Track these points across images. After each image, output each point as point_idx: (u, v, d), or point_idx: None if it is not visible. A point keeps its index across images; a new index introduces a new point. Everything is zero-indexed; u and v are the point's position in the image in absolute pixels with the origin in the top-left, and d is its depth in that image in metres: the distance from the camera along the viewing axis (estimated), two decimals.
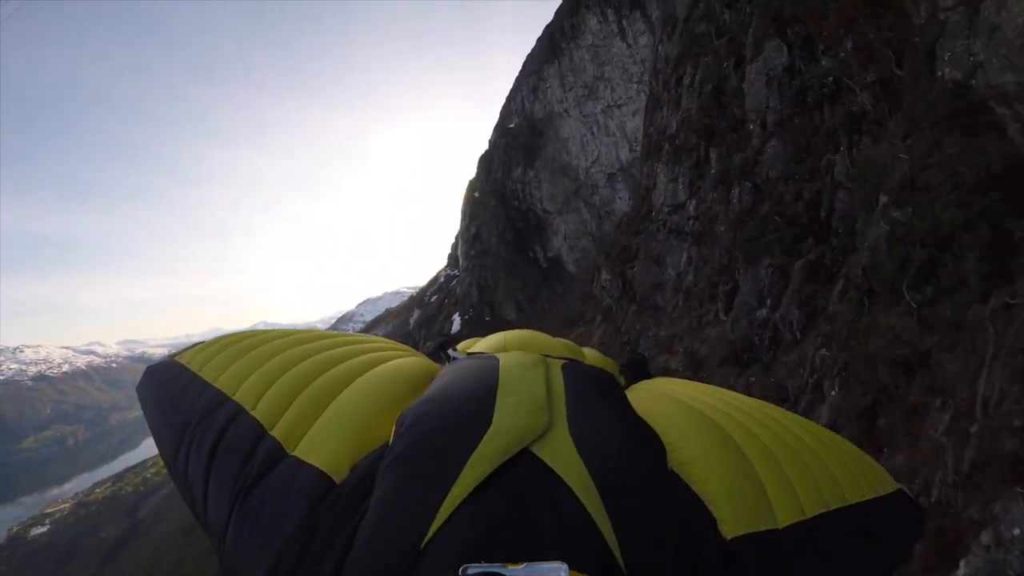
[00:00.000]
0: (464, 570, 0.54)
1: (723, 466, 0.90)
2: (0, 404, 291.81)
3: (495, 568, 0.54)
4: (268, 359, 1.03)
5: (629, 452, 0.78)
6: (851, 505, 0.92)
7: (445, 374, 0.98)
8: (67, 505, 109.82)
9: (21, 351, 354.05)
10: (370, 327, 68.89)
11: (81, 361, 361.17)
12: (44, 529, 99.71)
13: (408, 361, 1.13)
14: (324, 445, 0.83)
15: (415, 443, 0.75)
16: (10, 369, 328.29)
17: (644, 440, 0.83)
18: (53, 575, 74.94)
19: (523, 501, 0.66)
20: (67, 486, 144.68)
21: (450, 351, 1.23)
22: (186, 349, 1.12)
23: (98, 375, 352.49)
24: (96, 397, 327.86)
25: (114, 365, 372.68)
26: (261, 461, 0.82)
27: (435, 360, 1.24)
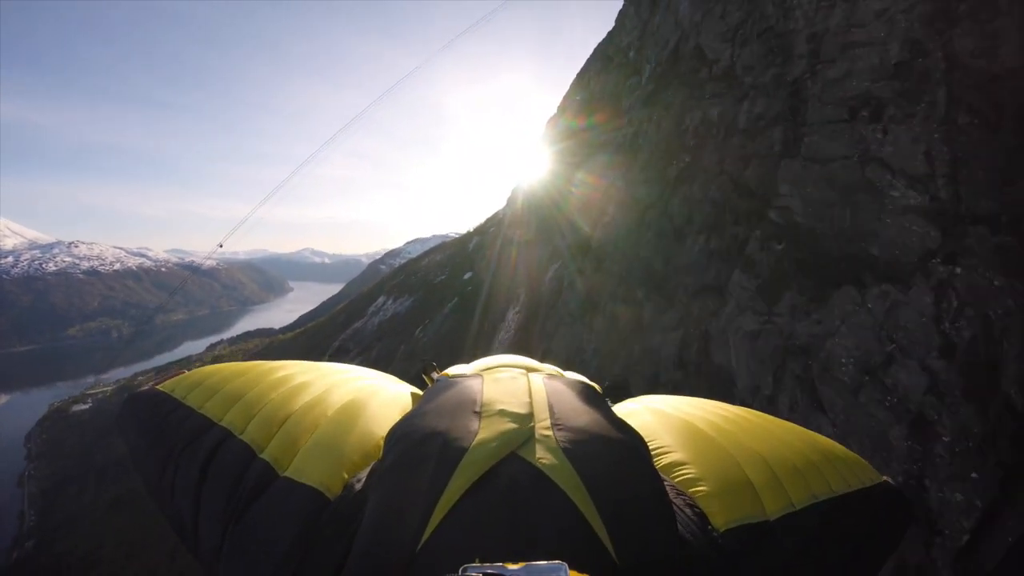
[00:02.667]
0: (464, 571, 0.54)
1: (710, 466, 0.95)
2: (50, 292, 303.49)
3: (495, 569, 0.54)
4: (253, 387, 1.04)
5: (615, 451, 0.80)
6: (838, 496, 0.96)
7: (432, 392, 0.99)
8: (109, 388, 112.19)
9: (76, 246, 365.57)
10: (424, 256, 69.73)
11: (132, 262, 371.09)
12: (86, 406, 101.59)
13: (392, 386, 1.19)
14: (316, 465, 0.85)
15: (406, 453, 0.77)
16: (64, 261, 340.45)
17: (628, 439, 0.85)
18: (94, 445, 76.65)
19: (514, 502, 0.67)
20: (104, 376, 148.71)
21: (434, 374, 1.24)
22: (168, 378, 1.11)
23: (147, 276, 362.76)
24: (143, 297, 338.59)
25: (163, 269, 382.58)
26: (253, 482, 0.83)
27: (417, 384, 1.28)
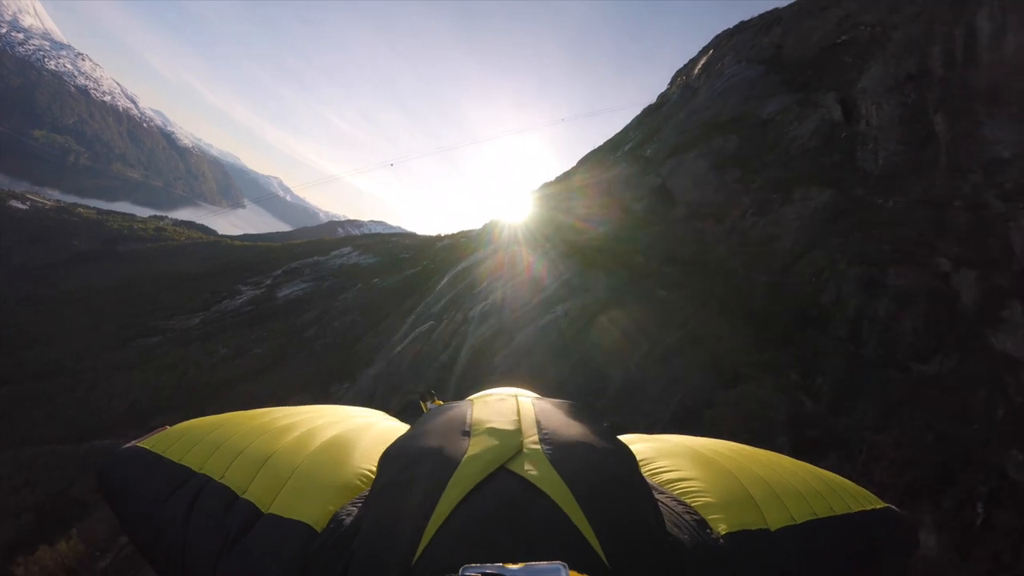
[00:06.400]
0: (463, 571, 0.56)
1: (711, 480, 0.96)
2: (40, 87, 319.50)
3: (495, 569, 0.56)
4: (232, 434, 1.05)
5: (600, 459, 0.83)
6: (839, 515, 0.94)
7: (424, 418, 1.05)
8: (50, 203, 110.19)
9: (83, 59, 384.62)
10: (393, 236, 72.87)
11: (121, 102, 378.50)
12: (22, 205, 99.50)
13: (381, 422, 1.22)
14: (300, 500, 0.85)
15: (399, 472, 0.81)
16: (65, 67, 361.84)
17: (613, 448, 0.89)
18: (23, 248, 75.90)
19: (506, 512, 0.70)
20: (40, 189, 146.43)
21: (428, 403, 1.32)
22: (148, 436, 1.08)
23: (127, 122, 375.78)
24: (114, 138, 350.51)
25: (144, 125, 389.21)
26: (238, 522, 0.83)
27: (407, 417, 1.27)
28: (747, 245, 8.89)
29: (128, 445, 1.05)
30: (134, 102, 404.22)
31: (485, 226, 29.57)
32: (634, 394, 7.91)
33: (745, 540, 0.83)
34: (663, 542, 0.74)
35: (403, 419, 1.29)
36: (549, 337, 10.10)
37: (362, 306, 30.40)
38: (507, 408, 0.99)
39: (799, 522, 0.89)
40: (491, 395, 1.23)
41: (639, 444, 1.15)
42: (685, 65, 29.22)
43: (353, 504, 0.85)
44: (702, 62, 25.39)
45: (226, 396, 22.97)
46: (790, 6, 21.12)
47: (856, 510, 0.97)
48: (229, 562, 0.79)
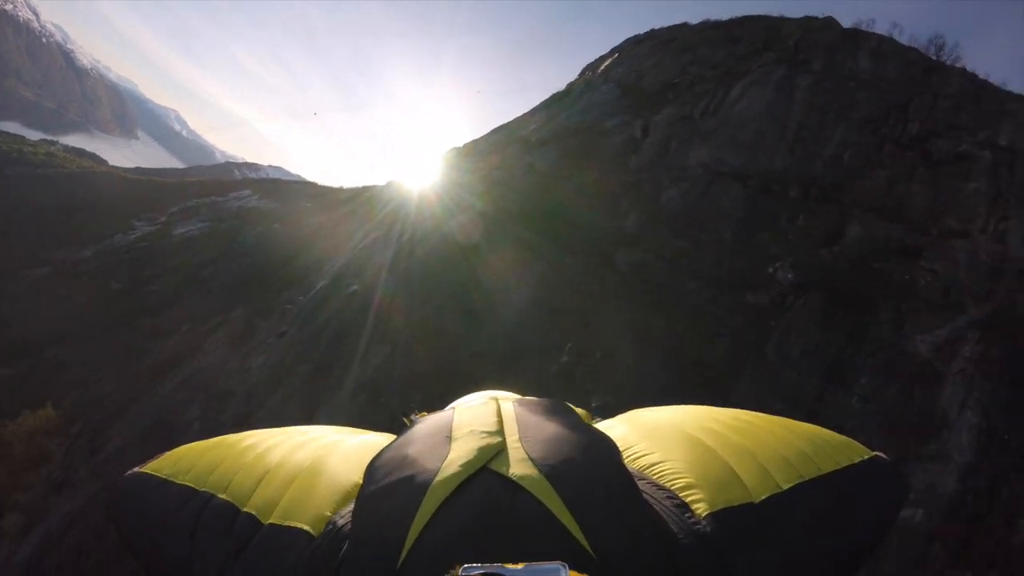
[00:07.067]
0: (463, 571, 0.55)
1: (690, 459, 0.92)
2: None
3: (494, 569, 0.55)
4: (227, 456, 1.05)
5: (581, 453, 0.82)
6: (827, 474, 0.90)
7: (407, 429, 1.03)
8: None
9: None
10: (295, 183, 71.89)
11: (23, 13, 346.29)
12: None
13: (360, 436, 1.20)
14: (298, 509, 0.86)
15: (382, 480, 0.80)
16: None
17: (594, 440, 0.88)
18: None
19: (489, 512, 0.69)
20: None
21: (412, 416, 1.25)
22: (148, 462, 1.09)
23: (26, 36, 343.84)
24: (9, 51, 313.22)
25: (43, 40, 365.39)
26: (240, 533, 0.84)
27: (397, 427, 1.22)
28: (564, 193, 16.29)
29: (130, 472, 1.09)
30: (36, 14, 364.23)
31: (390, 183, 30.67)
32: (497, 263, 15.54)
33: (728, 517, 0.79)
34: (649, 531, 0.72)
35: (392, 432, 1.27)
36: (447, 242, 16.54)
37: (262, 250, 31.37)
38: (488, 411, 0.99)
39: (785, 488, 0.85)
40: (473, 401, 1.21)
41: (618, 428, 1.13)
42: (594, 61, 30.98)
43: (348, 509, 0.84)
44: (606, 63, 27.56)
45: (126, 330, 23.66)
46: (692, 30, 25.56)
47: (844, 465, 0.92)
48: (233, 573, 0.80)
